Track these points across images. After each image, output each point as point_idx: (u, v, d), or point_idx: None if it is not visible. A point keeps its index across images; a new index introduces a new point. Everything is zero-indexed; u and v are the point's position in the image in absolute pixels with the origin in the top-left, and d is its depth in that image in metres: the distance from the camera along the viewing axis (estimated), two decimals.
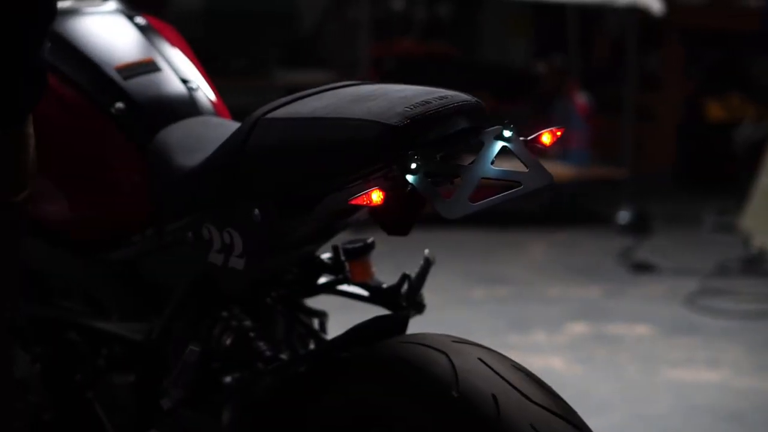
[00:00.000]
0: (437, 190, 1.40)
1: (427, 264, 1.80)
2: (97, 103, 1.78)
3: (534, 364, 3.69)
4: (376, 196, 1.40)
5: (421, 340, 1.56)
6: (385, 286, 1.81)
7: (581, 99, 6.63)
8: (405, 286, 1.80)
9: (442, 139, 1.47)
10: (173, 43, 1.94)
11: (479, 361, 1.50)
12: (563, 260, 5.44)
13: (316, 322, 1.87)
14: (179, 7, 8.01)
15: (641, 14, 6.31)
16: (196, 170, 1.64)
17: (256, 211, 1.55)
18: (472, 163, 1.46)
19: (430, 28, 8.25)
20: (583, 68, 7.32)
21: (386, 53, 7.63)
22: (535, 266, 5.32)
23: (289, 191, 1.53)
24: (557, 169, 6.45)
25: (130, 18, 1.92)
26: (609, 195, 6.50)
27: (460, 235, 5.71)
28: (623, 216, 6.06)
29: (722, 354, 3.93)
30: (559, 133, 1.52)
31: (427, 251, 1.79)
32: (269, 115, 1.55)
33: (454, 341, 1.55)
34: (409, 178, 1.41)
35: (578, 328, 4.20)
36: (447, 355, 1.50)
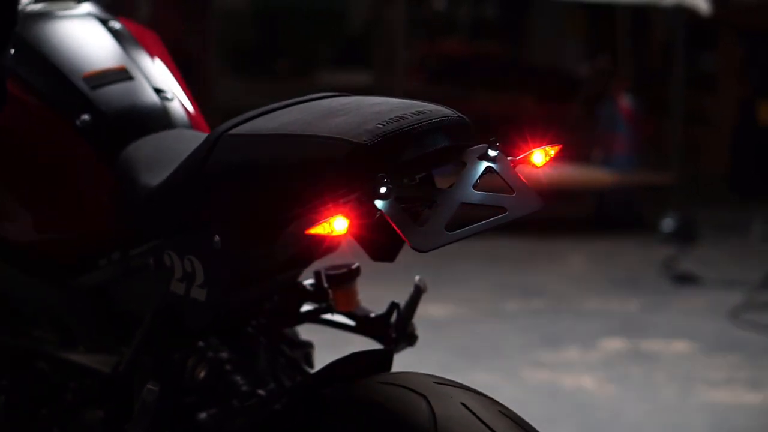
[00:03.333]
0: (408, 217, 1.25)
1: (418, 292, 1.64)
2: (62, 114, 1.65)
3: (564, 383, 3.52)
4: (340, 225, 1.25)
5: (401, 382, 1.41)
6: (373, 315, 1.67)
7: (626, 101, 6.42)
8: (394, 316, 1.65)
9: (418, 159, 1.31)
10: (150, 50, 1.80)
11: (462, 405, 1.35)
12: (603, 271, 5.25)
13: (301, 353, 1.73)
14: (225, 7, 7.92)
15: (692, 14, 6.10)
16: (157, 190, 1.50)
17: (217, 237, 1.40)
18: (451, 186, 1.30)
19: (477, 29, 8.10)
20: (637, 70, 7.13)
21: (432, 54, 7.49)
22: (573, 277, 5.13)
23: (252, 216, 1.38)
24: (599, 175, 6.26)
25: (104, 22, 1.78)
26: (656, 201, 6.29)
27: (495, 244, 5.54)
28: (668, 224, 5.85)
29: (765, 373, 3.72)
30: (553, 152, 1.35)
31: (417, 278, 1.63)
32: (233, 131, 1.41)
33: (437, 383, 1.41)
34: (378, 203, 1.25)
35: (614, 344, 4.01)
36: (427, 399, 1.36)
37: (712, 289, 4.87)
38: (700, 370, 3.73)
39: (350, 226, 1.26)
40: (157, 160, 1.58)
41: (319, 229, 1.25)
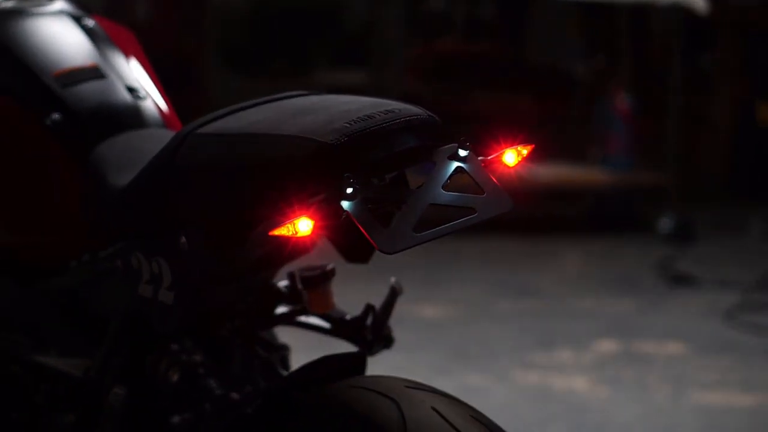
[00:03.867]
0: (374, 218, 1.22)
1: (393, 294, 1.62)
2: (32, 113, 1.62)
3: (556, 385, 3.50)
4: (305, 226, 1.22)
5: (373, 386, 1.39)
6: (348, 317, 1.64)
7: (623, 101, 6.39)
8: (370, 318, 1.62)
9: (386, 159, 1.28)
10: (125, 49, 1.77)
11: (432, 410, 1.32)
12: (598, 271, 5.21)
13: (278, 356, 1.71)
14: (223, 7, 7.89)
15: (690, 14, 6.06)
16: (124, 190, 1.47)
17: (183, 239, 1.37)
18: (420, 186, 1.27)
19: (474, 29, 8.06)
20: (636, 69, 7.09)
21: (429, 54, 7.45)
22: (568, 278, 5.09)
23: (219, 217, 1.35)
24: (597, 175, 6.23)
25: (77, 20, 1.75)
26: (653, 202, 6.26)
27: (490, 245, 5.50)
28: (665, 224, 5.81)
29: (759, 375, 3.69)
30: (525, 151, 1.32)
31: (393, 279, 1.61)
32: (200, 130, 1.38)
33: (408, 387, 1.38)
34: (344, 204, 1.23)
35: (606, 345, 3.98)
36: (397, 404, 1.33)
37: (709, 289, 4.84)
38: (693, 372, 3.70)
39: (315, 227, 1.23)
40: (127, 159, 1.55)
41: (282, 231, 1.22)
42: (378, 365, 3.45)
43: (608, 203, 6.44)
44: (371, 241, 1.21)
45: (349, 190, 1.22)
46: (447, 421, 1.31)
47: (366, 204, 1.23)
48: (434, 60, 7.27)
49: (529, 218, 6.24)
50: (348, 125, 1.26)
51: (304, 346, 1.77)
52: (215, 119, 1.39)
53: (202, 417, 1.55)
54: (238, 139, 1.32)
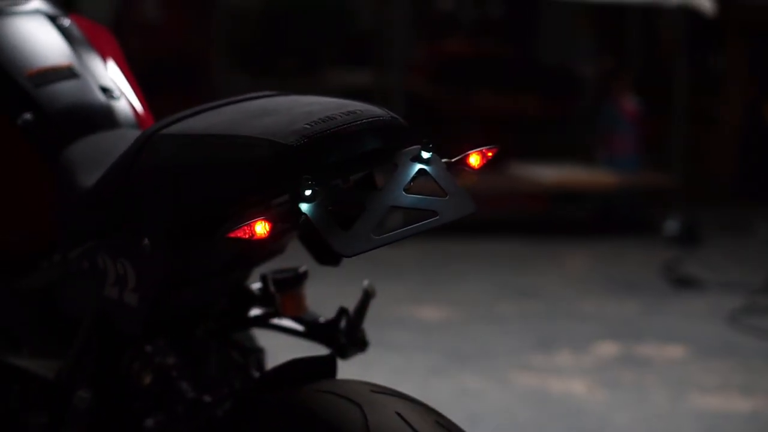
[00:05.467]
0: (332, 221, 1.20)
1: (366, 297, 1.60)
2: (3, 112, 1.61)
3: (553, 388, 3.47)
4: (261, 228, 1.21)
5: (338, 390, 1.37)
6: (321, 320, 1.63)
7: (629, 102, 6.35)
8: (343, 322, 1.61)
9: (347, 161, 1.27)
10: (101, 48, 1.76)
11: (396, 415, 1.31)
12: (602, 273, 5.18)
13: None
14: (231, 6, 7.88)
15: (697, 14, 6.03)
16: (90, 191, 1.46)
17: (146, 240, 1.36)
18: (381, 189, 1.26)
19: (482, 29, 8.04)
20: (644, 70, 7.05)
21: (436, 53, 7.43)
22: (572, 279, 5.06)
23: (181, 219, 1.34)
24: (603, 176, 6.19)
25: (53, 19, 1.74)
26: (660, 203, 6.22)
27: (494, 245, 5.48)
28: (670, 226, 5.78)
29: (760, 379, 3.66)
30: (490, 154, 1.31)
31: (366, 282, 1.59)
32: (163, 131, 1.37)
33: (373, 391, 1.36)
34: (303, 206, 1.21)
35: (607, 348, 3.95)
36: (361, 408, 1.32)
37: (714, 292, 4.80)
38: (693, 375, 3.67)
39: (273, 229, 1.22)
40: (96, 160, 1.54)
41: (239, 233, 1.21)
42: (373, 367, 3.46)
43: (614, 205, 6.41)
44: (329, 243, 1.19)
45: (308, 192, 1.21)
46: (410, 426, 1.29)
47: (325, 206, 1.22)
48: (441, 60, 7.25)
49: (533, 219, 6.22)
50: (308, 126, 1.25)
51: (284, 349, 1.75)
52: (180, 120, 1.37)
53: (173, 419, 1.54)
54: (199, 141, 1.31)
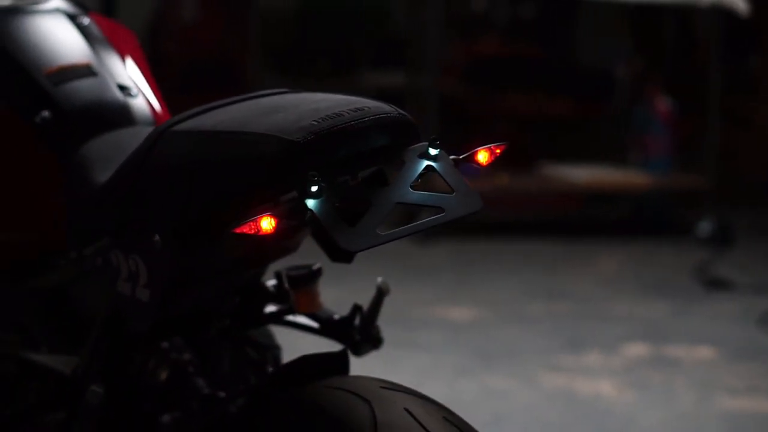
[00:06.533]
0: (338, 217, 1.21)
1: (380, 294, 1.60)
2: (21, 110, 1.62)
3: (581, 388, 3.46)
4: (267, 224, 1.22)
5: (348, 386, 1.38)
6: (336, 317, 1.63)
7: (663, 103, 6.31)
8: (357, 319, 1.61)
9: (354, 158, 1.27)
10: (120, 47, 1.77)
11: (405, 411, 1.31)
12: (634, 274, 5.16)
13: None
14: (267, 7, 7.90)
15: (731, 15, 5.99)
16: (103, 187, 1.47)
17: (157, 237, 1.37)
18: (388, 185, 1.26)
19: (515, 29, 8.03)
20: (679, 71, 7.01)
21: (469, 54, 7.43)
22: (603, 280, 5.04)
23: (190, 216, 1.35)
24: (636, 178, 6.16)
25: (72, 18, 1.75)
26: (694, 205, 6.18)
27: (525, 245, 5.47)
28: (703, 228, 5.74)
29: None
30: (498, 151, 1.30)
31: (380, 279, 1.59)
32: (174, 128, 1.37)
33: (383, 387, 1.37)
34: (309, 202, 1.22)
35: (636, 349, 3.93)
36: (370, 404, 1.32)
37: (745, 294, 4.77)
38: (722, 378, 3.65)
39: (280, 225, 1.22)
40: (112, 158, 1.55)
41: (245, 228, 1.21)
42: (400, 366, 3.46)
43: (646, 206, 6.38)
44: (334, 239, 1.20)
45: (314, 189, 1.21)
46: (419, 422, 1.30)
47: (332, 202, 1.22)
48: (474, 61, 7.24)
49: (566, 220, 6.20)
50: (315, 123, 1.25)
51: (304, 346, 1.76)
52: (190, 117, 1.38)
53: (187, 415, 1.55)
54: (209, 137, 1.32)
